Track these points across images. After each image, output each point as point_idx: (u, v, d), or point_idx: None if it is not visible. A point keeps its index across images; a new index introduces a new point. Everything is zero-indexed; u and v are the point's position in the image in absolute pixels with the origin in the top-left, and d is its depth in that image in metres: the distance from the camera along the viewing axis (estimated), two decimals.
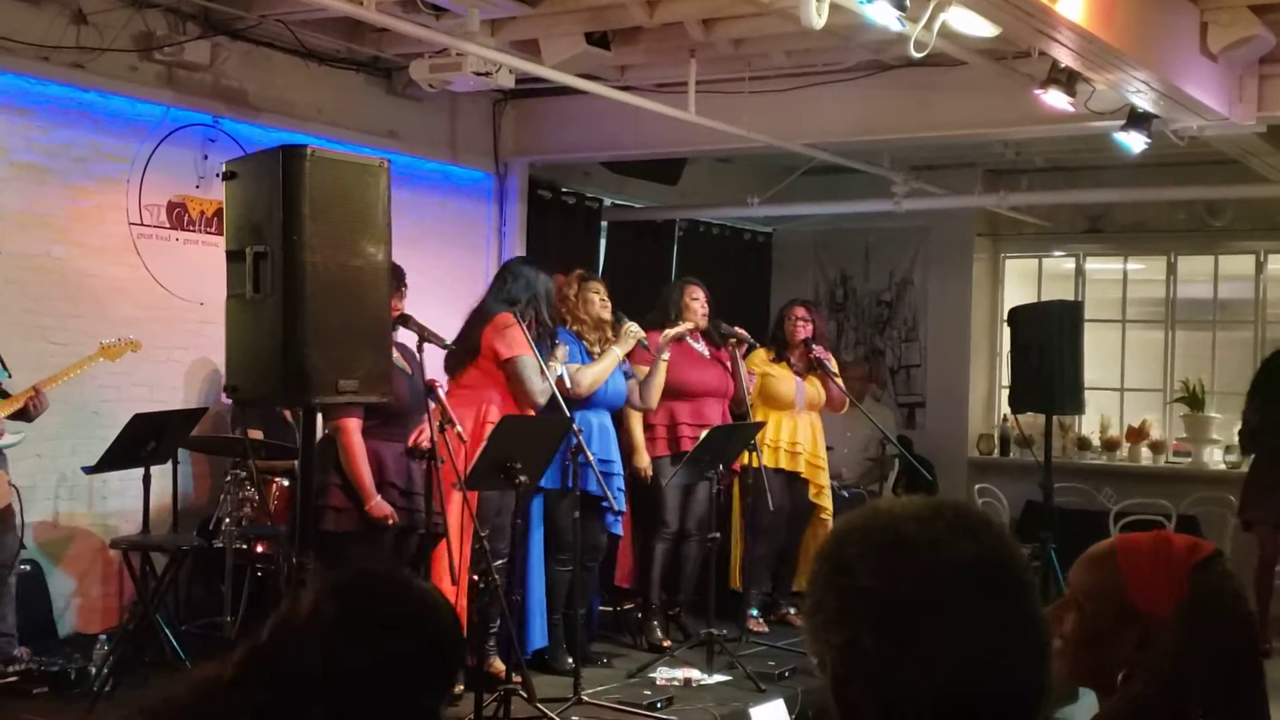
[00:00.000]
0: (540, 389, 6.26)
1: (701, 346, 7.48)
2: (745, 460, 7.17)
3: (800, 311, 7.95)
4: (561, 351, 6.49)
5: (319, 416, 5.25)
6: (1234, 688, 1.94)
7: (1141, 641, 1.93)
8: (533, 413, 6.31)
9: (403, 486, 5.89)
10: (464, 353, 6.28)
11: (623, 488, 6.88)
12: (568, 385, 6.48)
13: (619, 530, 6.96)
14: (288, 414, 6.93)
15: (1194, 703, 1.91)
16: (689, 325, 7.20)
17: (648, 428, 7.24)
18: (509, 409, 6.25)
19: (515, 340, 6.24)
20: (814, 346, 7.94)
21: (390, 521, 5.77)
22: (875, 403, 10.00)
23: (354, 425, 5.69)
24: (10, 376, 6.12)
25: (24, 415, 6.04)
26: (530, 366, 6.25)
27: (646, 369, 7.10)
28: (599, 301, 6.87)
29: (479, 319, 6.38)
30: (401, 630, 1.75)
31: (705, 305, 7.42)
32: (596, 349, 6.81)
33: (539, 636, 6.62)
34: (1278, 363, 8.59)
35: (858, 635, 1.39)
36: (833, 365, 7.99)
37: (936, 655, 1.36)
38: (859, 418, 8.61)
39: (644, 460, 7.12)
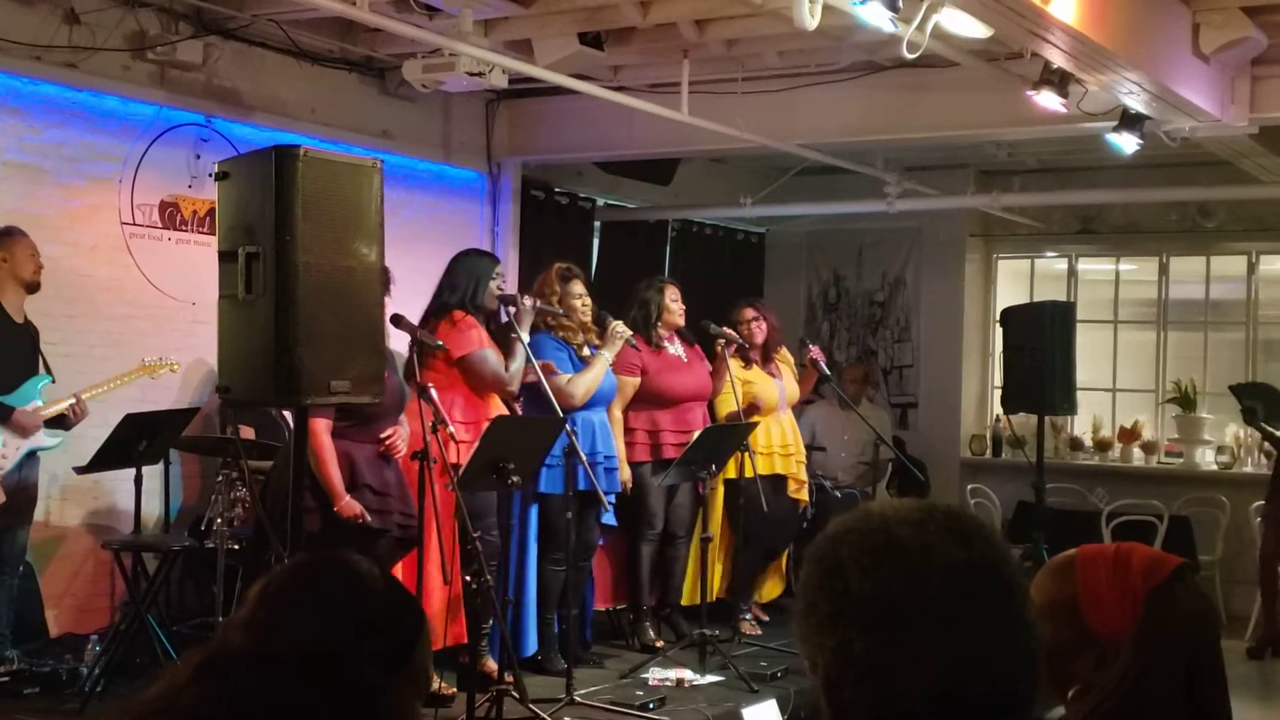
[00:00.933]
0: (505, 376, 6.23)
1: (678, 349, 7.46)
2: (735, 470, 7.18)
3: (749, 313, 7.91)
4: (526, 304, 6.40)
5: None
6: (1192, 708, 1.92)
7: (1099, 661, 1.92)
8: (509, 399, 6.28)
9: (376, 488, 5.83)
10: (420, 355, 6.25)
11: (617, 485, 6.91)
12: (560, 380, 6.48)
13: (612, 519, 6.94)
14: (277, 411, 6.92)
15: None
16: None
17: (628, 432, 7.22)
18: (474, 406, 6.25)
19: (467, 338, 6.22)
20: (810, 347, 7.95)
21: (361, 520, 5.72)
22: (869, 404, 9.99)
23: (322, 425, 5.62)
24: (54, 381, 6.15)
25: (62, 422, 6.09)
26: (485, 360, 6.23)
27: (631, 380, 7.13)
28: (581, 306, 6.84)
29: (431, 318, 6.35)
30: (326, 610, 1.74)
31: (683, 308, 7.44)
32: (585, 351, 6.81)
33: (532, 642, 6.62)
34: None
35: (849, 638, 1.39)
36: (786, 364, 7.99)
37: (927, 658, 1.36)
38: (855, 420, 8.62)
39: (625, 473, 7.08)
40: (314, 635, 1.70)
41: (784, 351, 8.09)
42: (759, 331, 7.84)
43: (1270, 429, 8.85)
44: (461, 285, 6.38)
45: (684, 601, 7.49)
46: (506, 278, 6.75)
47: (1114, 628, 1.92)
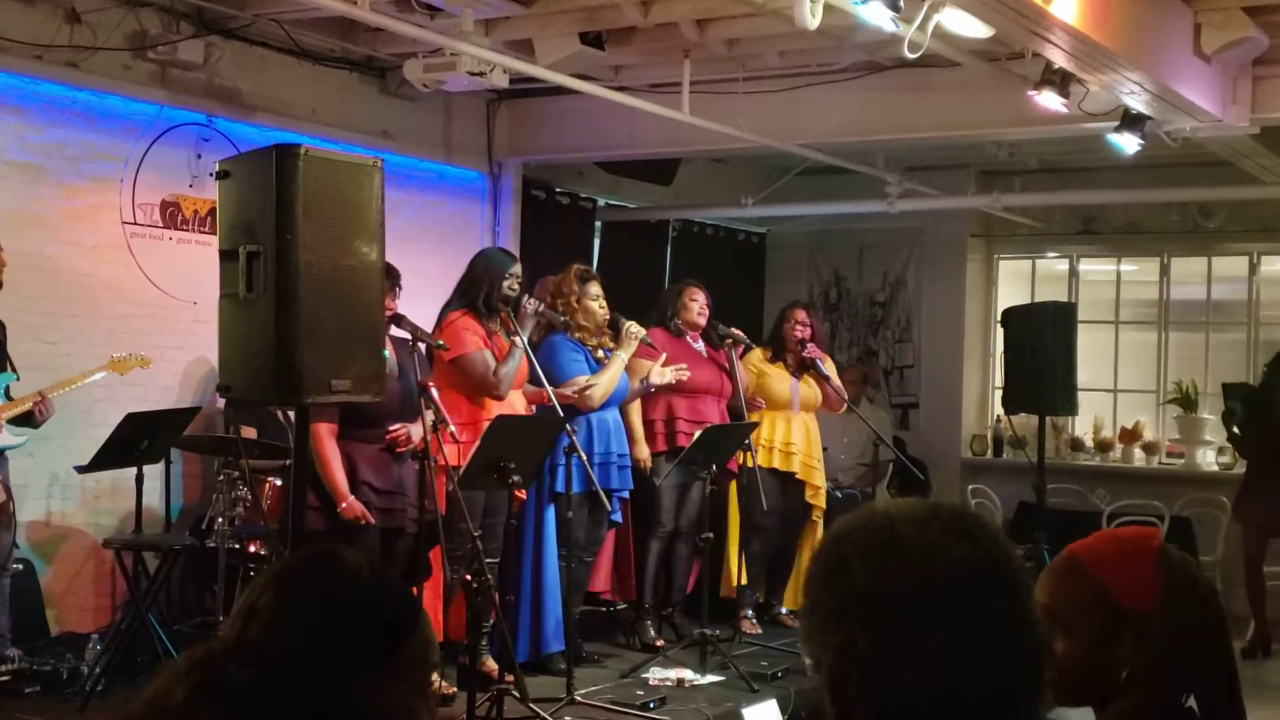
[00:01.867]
0: (491, 380, 6.22)
1: (700, 346, 7.53)
2: (740, 461, 7.21)
3: (800, 315, 7.96)
4: (528, 308, 6.40)
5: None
6: (1218, 665, 1.98)
7: (1139, 639, 1.94)
8: (499, 401, 6.28)
9: (380, 486, 5.83)
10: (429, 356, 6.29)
11: (630, 484, 6.95)
12: (563, 386, 6.49)
13: (618, 517, 6.98)
14: (281, 414, 6.92)
15: (1187, 687, 1.92)
16: (680, 376, 7.09)
17: (646, 424, 7.27)
18: (472, 407, 6.24)
19: (460, 340, 6.22)
20: (807, 346, 7.95)
21: (364, 522, 5.73)
22: (869, 404, 9.99)
23: (323, 430, 5.64)
24: (19, 379, 6.12)
25: (29, 420, 6.04)
26: (476, 362, 6.22)
27: (649, 363, 7.15)
28: (598, 309, 6.88)
29: (438, 319, 6.39)
30: (313, 604, 1.73)
31: (705, 307, 7.50)
32: (600, 353, 6.84)
33: (554, 640, 6.61)
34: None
35: (853, 635, 1.39)
36: (828, 367, 7.99)
37: (931, 656, 1.37)
38: (855, 421, 8.62)
39: (643, 451, 7.15)
40: (300, 629, 1.70)
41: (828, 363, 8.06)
42: (802, 335, 7.87)
43: (1237, 432, 8.86)
44: (475, 284, 6.40)
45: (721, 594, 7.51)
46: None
47: (1145, 595, 1.95)
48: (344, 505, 5.70)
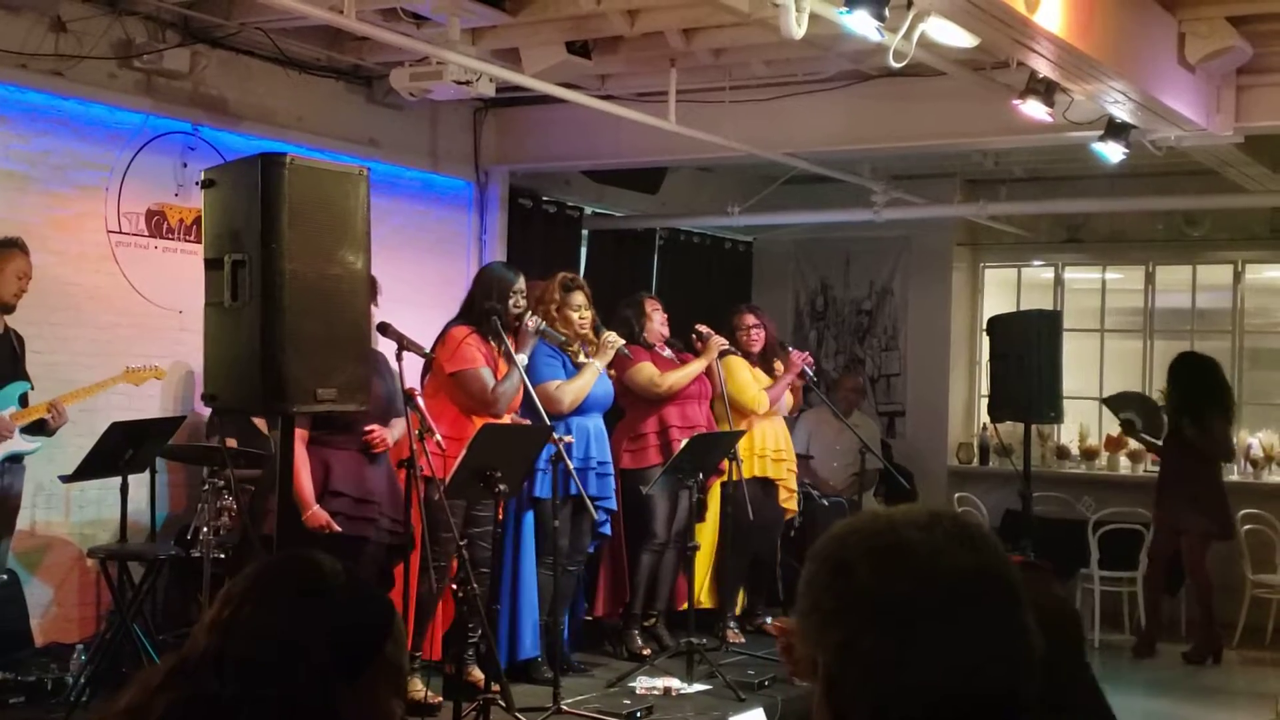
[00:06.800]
0: (488, 398, 6.22)
1: (669, 354, 7.50)
2: (725, 472, 7.20)
3: (749, 319, 7.95)
4: (530, 326, 6.37)
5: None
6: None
7: None
8: (494, 418, 6.28)
9: (351, 494, 5.81)
10: (427, 364, 6.29)
11: (613, 489, 6.93)
12: (550, 392, 6.49)
13: (608, 530, 6.97)
14: (260, 423, 6.89)
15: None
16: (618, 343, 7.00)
17: (639, 437, 7.25)
18: (461, 422, 6.23)
19: (461, 355, 6.22)
20: (796, 353, 7.94)
21: (328, 530, 5.69)
22: (858, 413, 10.00)
23: (296, 435, 5.63)
24: (33, 388, 6.12)
25: (42, 428, 6.05)
26: (476, 378, 6.22)
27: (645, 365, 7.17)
28: (577, 319, 6.86)
29: (441, 333, 6.38)
30: (287, 609, 1.72)
31: (665, 317, 7.49)
32: (581, 358, 6.82)
33: (530, 646, 6.60)
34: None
35: (855, 635, 1.40)
36: (777, 368, 8.02)
37: (931, 659, 1.38)
38: (848, 429, 8.63)
39: None
40: (274, 635, 1.69)
41: (787, 359, 8.07)
42: (757, 340, 7.87)
43: (1150, 439, 8.97)
44: (478, 301, 6.39)
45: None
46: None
47: None
48: (308, 514, 5.66)
